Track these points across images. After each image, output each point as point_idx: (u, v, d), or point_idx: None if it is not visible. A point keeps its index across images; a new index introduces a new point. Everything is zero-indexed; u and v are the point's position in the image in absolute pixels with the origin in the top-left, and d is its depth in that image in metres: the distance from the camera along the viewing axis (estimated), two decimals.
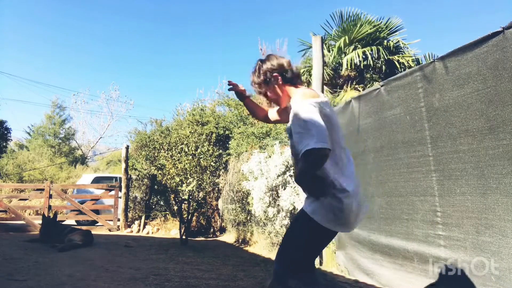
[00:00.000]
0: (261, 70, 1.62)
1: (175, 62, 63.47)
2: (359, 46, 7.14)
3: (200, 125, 8.55)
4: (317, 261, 3.94)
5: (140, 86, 59.40)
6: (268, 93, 1.64)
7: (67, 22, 50.80)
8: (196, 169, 5.97)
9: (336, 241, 3.74)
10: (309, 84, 7.00)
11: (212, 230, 7.77)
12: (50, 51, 54.17)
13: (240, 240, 6.27)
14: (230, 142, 7.76)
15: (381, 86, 3.08)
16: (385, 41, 7.30)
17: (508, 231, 1.96)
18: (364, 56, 6.99)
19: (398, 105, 2.84)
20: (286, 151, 4.79)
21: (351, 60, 6.80)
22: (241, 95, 1.94)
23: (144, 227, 7.90)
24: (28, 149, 21.11)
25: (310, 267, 1.54)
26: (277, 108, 1.86)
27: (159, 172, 6.28)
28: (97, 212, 8.38)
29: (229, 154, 7.49)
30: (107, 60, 56.12)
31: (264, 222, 5.07)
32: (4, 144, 8.76)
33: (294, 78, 1.62)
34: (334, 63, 7.25)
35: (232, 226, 6.70)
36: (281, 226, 4.59)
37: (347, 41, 7.07)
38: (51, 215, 6.86)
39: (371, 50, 6.85)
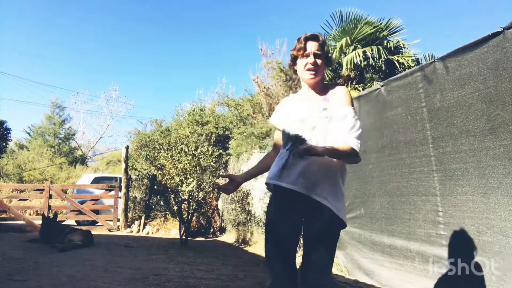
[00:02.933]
0: (330, 57, 1.69)
1: (175, 62, 63.50)
2: (359, 46, 7.15)
3: (200, 125, 8.56)
4: None
5: (140, 86, 59.39)
6: (321, 63, 1.62)
7: (67, 22, 50.77)
8: (196, 169, 5.97)
9: None
10: None
11: (212, 230, 7.77)
12: (50, 52, 54.14)
13: (240, 240, 6.26)
14: (230, 142, 7.76)
15: (381, 86, 3.08)
16: (385, 41, 7.30)
17: (509, 231, 1.96)
18: (364, 56, 6.99)
19: (399, 105, 2.84)
20: None
21: (351, 60, 6.80)
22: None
23: (144, 227, 7.90)
24: (28, 149, 21.10)
25: None
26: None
27: (159, 172, 6.27)
28: (97, 212, 8.37)
29: (229, 154, 7.49)
30: (107, 60, 56.09)
31: (264, 222, 5.06)
32: (4, 144, 8.76)
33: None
34: (334, 64, 7.25)
35: (232, 226, 6.70)
36: None
37: (349, 42, 7.08)
38: (51, 215, 6.85)
39: (372, 50, 6.85)
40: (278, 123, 1.71)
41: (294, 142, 1.55)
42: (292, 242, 1.56)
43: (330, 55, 1.67)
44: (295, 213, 1.53)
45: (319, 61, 1.59)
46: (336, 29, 7.60)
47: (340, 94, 1.58)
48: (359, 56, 6.75)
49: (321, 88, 1.64)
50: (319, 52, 1.59)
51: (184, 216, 6.10)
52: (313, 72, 1.58)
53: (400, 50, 7.48)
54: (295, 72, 1.70)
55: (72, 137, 24.14)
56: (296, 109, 1.63)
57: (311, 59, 1.58)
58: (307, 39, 1.61)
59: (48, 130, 22.56)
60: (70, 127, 24.15)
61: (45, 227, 5.45)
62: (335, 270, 3.66)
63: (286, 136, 1.60)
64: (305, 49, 1.59)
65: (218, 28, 65.73)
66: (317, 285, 1.45)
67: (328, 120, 1.51)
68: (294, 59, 1.66)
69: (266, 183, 1.64)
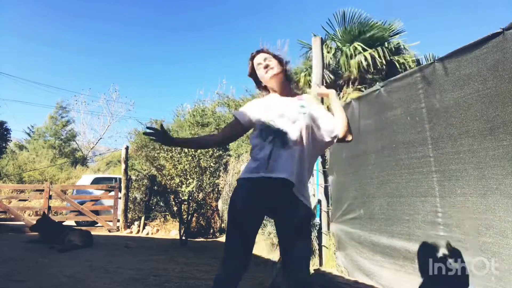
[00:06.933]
0: (283, 58, 1.82)
1: (176, 63, 63.51)
2: (358, 48, 7.16)
3: (201, 126, 8.56)
4: (317, 261, 3.93)
5: (140, 87, 59.33)
6: (279, 73, 1.76)
7: (68, 22, 50.80)
8: (196, 170, 5.97)
9: (336, 242, 3.74)
10: (309, 85, 7.01)
11: (211, 231, 7.76)
12: (51, 52, 54.16)
13: None
14: (230, 143, 7.76)
15: (381, 87, 3.08)
16: (386, 43, 7.31)
17: (508, 231, 1.96)
18: (365, 57, 7.00)
19: (399, 106, 2.85)
20: None
21: (354, 61, 6.82)
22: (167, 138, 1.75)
23: (143, 228, 7.89)
24: (28, 150, 21.09)
25: None
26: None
27: (159, 172, 6.28)
28: (96, 212, 8.36)
29: (229, 155, 7.49)
30: (108, 61, 56.02)
31: (263, 223, 5.06)
32: (4, 144, 8.77)
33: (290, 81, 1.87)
34: (334, 65, 7.27)
35: None
36: None
37: (350, 43, 7.09)
38: (51, 216, 6.85)
39: (374, 52, 6.86)
40: (244, 118, 1.76)
41: (275, 134, 1.64)
42: (255, 237, 1.62)
43: (285, 61, 1.82)
44: (264, 209, 1.60)
45: (270, 63, 1.74)
46: (338, 29, 7.60)
47: (311, 98, 1.82)
48: (364, 57, 6.76)
49: (292, 92, 1.82)
50: (267, 57, 1.76)
51: (184, 216, 6.10)
52: (271, 69, 1.73)
53: (401, 51, 7.50)
54: (264, 88, 1.84)
55: (73, 139, 24.12)
56: (273, 106, 1.73)
57: (263, 63, 1.75)
58: (253, 56, 1.81)
59: (51, 131, 22.54)
60: (73, 129, 24.15)
61: (45, 228, 5.45)
62: (334, 271, 3.66)
63: (266, 129, 1.67)
64: (254, 63, 1.79)
65: (219, 28, 65.85)
66: (308, 279, 1.58)
67: (306, 116, 1.67)
68: (256, 79, 1.83)
69: (243, 178, 1.64)
